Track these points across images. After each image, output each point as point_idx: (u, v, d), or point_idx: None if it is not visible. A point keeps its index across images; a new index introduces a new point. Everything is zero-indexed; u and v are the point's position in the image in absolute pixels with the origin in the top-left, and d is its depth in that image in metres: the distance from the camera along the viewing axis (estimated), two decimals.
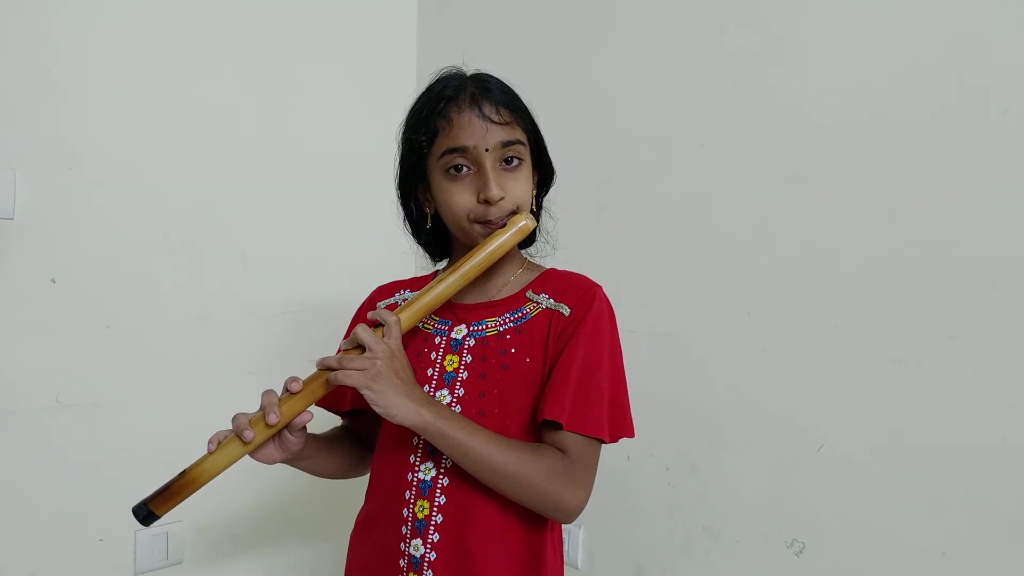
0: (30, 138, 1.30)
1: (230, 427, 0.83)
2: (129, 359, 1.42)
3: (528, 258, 1.01)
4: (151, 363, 1.45)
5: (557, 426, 0.84)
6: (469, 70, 0.92)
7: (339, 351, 0.85)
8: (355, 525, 0.98)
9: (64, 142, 1.34)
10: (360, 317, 1.03)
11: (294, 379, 0.82)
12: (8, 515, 1.30)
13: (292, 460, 0.90)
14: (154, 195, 1.45)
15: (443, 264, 1.03)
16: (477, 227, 0.88)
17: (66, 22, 1.33)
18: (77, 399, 1.37)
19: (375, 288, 1.06)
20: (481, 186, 0.86)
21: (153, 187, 1.45)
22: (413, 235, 1.00)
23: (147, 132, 1.44)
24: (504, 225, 0.87)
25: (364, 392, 0.78)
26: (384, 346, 0.81)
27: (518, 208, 0.88)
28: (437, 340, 0.93)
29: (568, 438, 0.84)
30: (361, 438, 1.03)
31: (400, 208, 0.99)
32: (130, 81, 1.41)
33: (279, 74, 1.64)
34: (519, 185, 0.88)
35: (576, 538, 1.49)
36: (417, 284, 1.02)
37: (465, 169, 0.86)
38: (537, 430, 0.88)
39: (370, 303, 1.03)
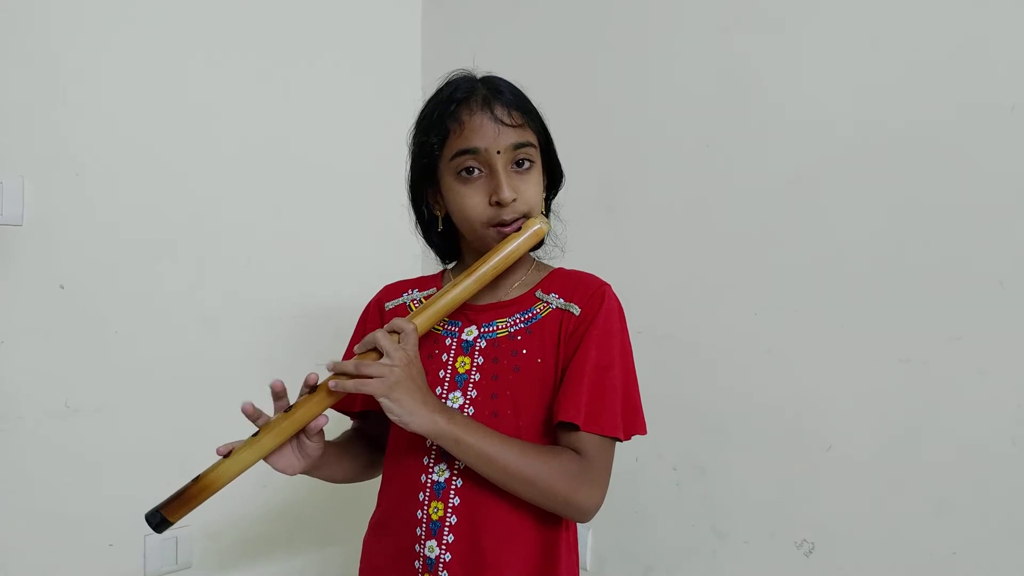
0: (38, 145, 1.31)
1: (242, 433, 0.83)
2: (137, 363, 1.43)
3: (536, 259, 1.01)
4: (159, 367, 1.46)
5: (573, 427, 0.84)
6: (479, 73, 0.92)
7: (350, 354, 0.85)
8: (368, 527, 0.98)
9: (71, 148, 1.34)
10: (367, 317, 1.03)
11: (316, 376, 0.84)
12: (17, 520, 1.30)
13: (311, 469, 0.89)
14: (160, 200, 1.46)
15: (452, 265, 1.03)
16: (491, 231, 0.88)
17: (72, 29, 1.34)
18: (85, 404, 1.37)
19: (382, 288, 1.06)
20: (493, 188, 0.86)
21: (159, 192, 1.45)
22: (424, 237, 1.01)
23: (153, 138, 1.44)
24: (518, 228, 0.88)
25: (382, 400, 0.78)
26: (403, 353, 0.81)
27: (530, 210, 0.89)
28: (448, 342, 0.93)
29: (583, 438, 0.84)
30: (372, 440, 1.03)
31: (411, 210, 0.99)
32: (136, 87, 1.42)
33: (284, 77, 1.64)
34: (530, 187, 0.89)
35: (584, 539, 1.49)
36: (424, 284, 1.02)
37: (477, 171, 0.87)
38: (551, 430, 0.88)
39: (377, 302, 1.03)
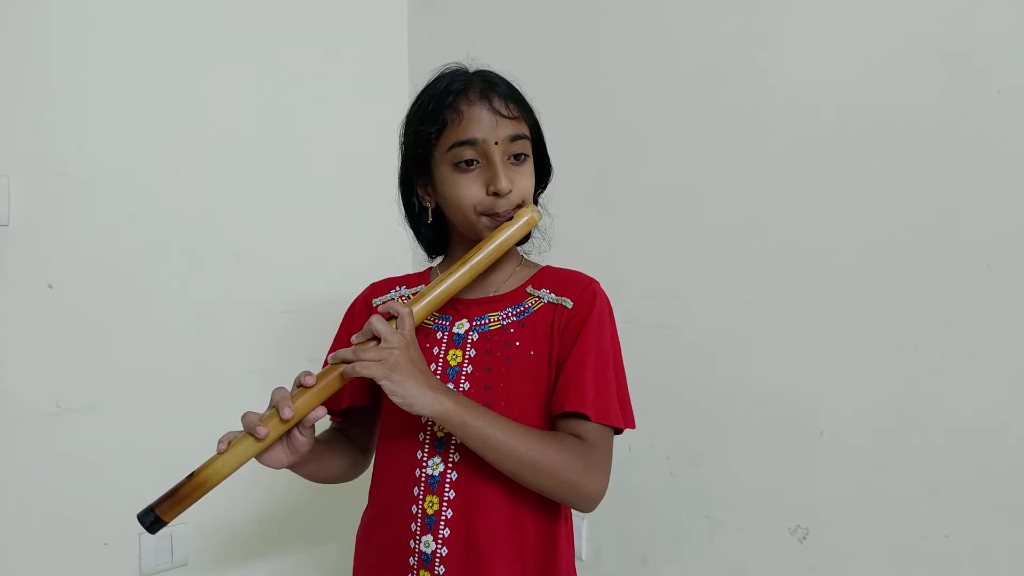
0: (23, 143, 1.30)
1: (237, 428, 0.81)
2: (128, 362, 1.42)
3: (524, 255, 1.01)
4: (150, 365, 1.45)
5: (577, 417, 0.85)
6: (471, 67, 0.92)
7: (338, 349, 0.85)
8: (361, 525, 0.98)
9: (57, 147, 1.33)
10: (354, 313, 1.02)
11: (307, 373, 0.81)
12: (11, 520, 1.29)
13: (296, 465, 0.87)
14: (149, 198, 1.44)
15: (439, 260, 1.03)
16: (484, 220, 0.89)
17: (57, 26, 1.32)
18: (77, 403, 1.36)
19: (368, 285, 1.05)
20: (490, 179, 0.86)
21: (147, 190, 1.44)
22: (412, 228, 1.00)
23: (140, 135, 1.43)
24: (511, 218, 0.88)
25: (382, 383, 0.77)
26: (400, 336, 0.80)
27: (524, 202, 0.89)
28: (439, 335, 0.93)
29: (586, 427, 0.85)
30: (352, 440, 1.01)
31: (401, 203, 0.99)
32: (122, 85, 1.41)
33: (271, 74, 1.63)
34: (524, 179, 0.89)
35: (580, 530, 1.49)
36: (411, 281, 1.02)
37: (474, 162, 0.87)
38: (542, 422, 0.88)
39: (364, 300, 1.02)
